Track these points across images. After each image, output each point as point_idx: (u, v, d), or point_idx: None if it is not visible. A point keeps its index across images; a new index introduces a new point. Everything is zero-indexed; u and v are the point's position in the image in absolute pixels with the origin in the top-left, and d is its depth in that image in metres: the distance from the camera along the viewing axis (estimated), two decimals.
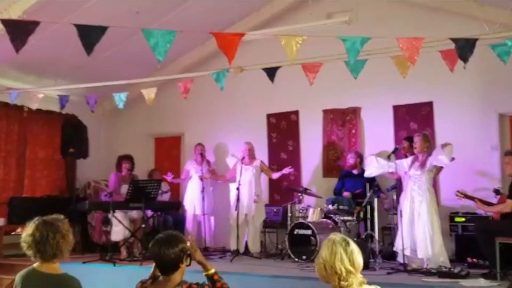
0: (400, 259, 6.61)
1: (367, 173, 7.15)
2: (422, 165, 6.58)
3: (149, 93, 6.95)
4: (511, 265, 5.93)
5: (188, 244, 3.08)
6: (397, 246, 6.60)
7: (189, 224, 8.79)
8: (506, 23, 5.87)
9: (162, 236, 3.02)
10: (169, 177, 8.83)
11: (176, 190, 9.70)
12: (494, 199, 6.71)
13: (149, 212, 8.08)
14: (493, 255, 5.65)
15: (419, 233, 6.44)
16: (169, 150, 10.16)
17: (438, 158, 6.44)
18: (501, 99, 7.44)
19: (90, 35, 4.68)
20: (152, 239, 3.05)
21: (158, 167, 9.68)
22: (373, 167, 6.96)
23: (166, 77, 8.23)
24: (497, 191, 6.85)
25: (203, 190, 8.49)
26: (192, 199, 8.76)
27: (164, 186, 8.61)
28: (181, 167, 9.60)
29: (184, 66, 9.19)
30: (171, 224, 8.48)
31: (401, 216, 6.49)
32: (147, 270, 3.19)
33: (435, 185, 7.15)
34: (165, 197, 8.69)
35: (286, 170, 8.08)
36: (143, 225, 7.41)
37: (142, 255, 7.20)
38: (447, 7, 7.61)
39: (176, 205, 8.85)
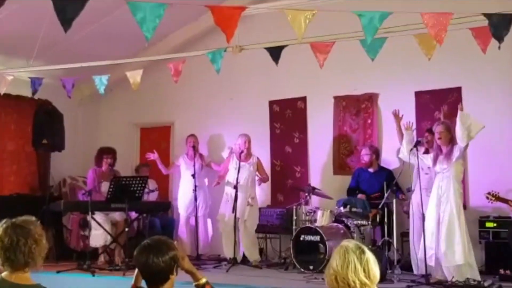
0: (416, 270, 6.62)
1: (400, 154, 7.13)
2: (448, 156, 6.56)
3: (135, 76, 6.94)
4: None
5: None
6: (419, 255, 6.59)
7: (181, 228, 8.82)
8: None
9: (150, 242, 2.99)
10: (152, 155, 8.89)
11: (165, 189, 9.70)
12: None
13: (134, 214, 8.09)
14: None
15: (444, 237, 6.43)
16: (157, 142, 10.13)
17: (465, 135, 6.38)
18: None
19: (67, 9, 4.64)
20: (137, 245, 3.04)
21: (144, 161, 9.68)
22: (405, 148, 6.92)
23: (154, 58, 8.21)
24: None
25: (195, 189, 8.48)
26: (184, 199, 8.80)
27: (151, 184, 8.62)
28: (170, 161, 9.59)
29: (175, 45, 9.18)
30: (159, 228, 8.51)
31: (423, 220, 6.48)
32: (130, 280, 3.18)
33: (463, 184, 7.14)
34: (152, 196, 8.69)
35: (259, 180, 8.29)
36: (126, 229, 7.41)
37: (125, 263, 7.20)
38: None
39: (164, 206, 8.84)
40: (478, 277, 6.20)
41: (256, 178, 8.32)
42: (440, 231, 6.47)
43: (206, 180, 9.07)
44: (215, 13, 5.14)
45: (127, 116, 10.23)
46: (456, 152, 6.51)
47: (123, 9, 5.17)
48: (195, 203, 8.51)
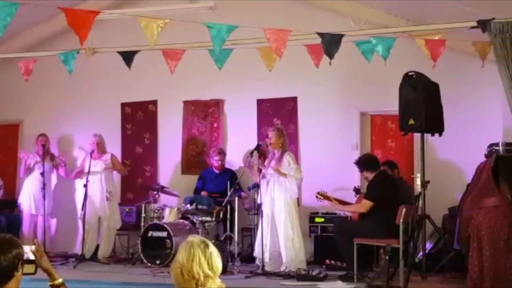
0: (258, 262, 6.85)
1: None
2: (279, 161, 6.84)
3: None
4: (368, 267, 6.41)
5: (33, 248, 2.92)
6: (257, 250, 6.80)
7: (25, 226, 8.34)
8: (372, 21, 6.30)
9: None
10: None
11: (12, 186, 9.10)
12: (354, 198, 7.18)
13: None
14: (351, 256, 6.00)
15: (280, 234, 6.71)
16: (4, 140, 9.52)
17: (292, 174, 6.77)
18: (363, 97, 7.95)
19: None
20: None
21: None
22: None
23: (3, 56, 7.70)
24: (357, 190, 7.33)
25: (43, 187, 8.08)
26: (30, 197, 8.33)
27: None
28: (18, 160, 9.01)
29: (26, 44, 8.65)
30: (4, 226, 7.98)
31: (262, 217, 6.71)
32: None
33: None
34: None
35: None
36: None
37: None
38: (316, 1, 7.97)
39: (10, 204, 8.43)
40: (305, 267, 6.55)
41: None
42: (274, 228, 6.76)
43: (53, 178, 8.67)
44: (69, 16, 4.97)
45: None
46: (285, 163, 6.80)
47: None
48: (43, 201, 8.09)
